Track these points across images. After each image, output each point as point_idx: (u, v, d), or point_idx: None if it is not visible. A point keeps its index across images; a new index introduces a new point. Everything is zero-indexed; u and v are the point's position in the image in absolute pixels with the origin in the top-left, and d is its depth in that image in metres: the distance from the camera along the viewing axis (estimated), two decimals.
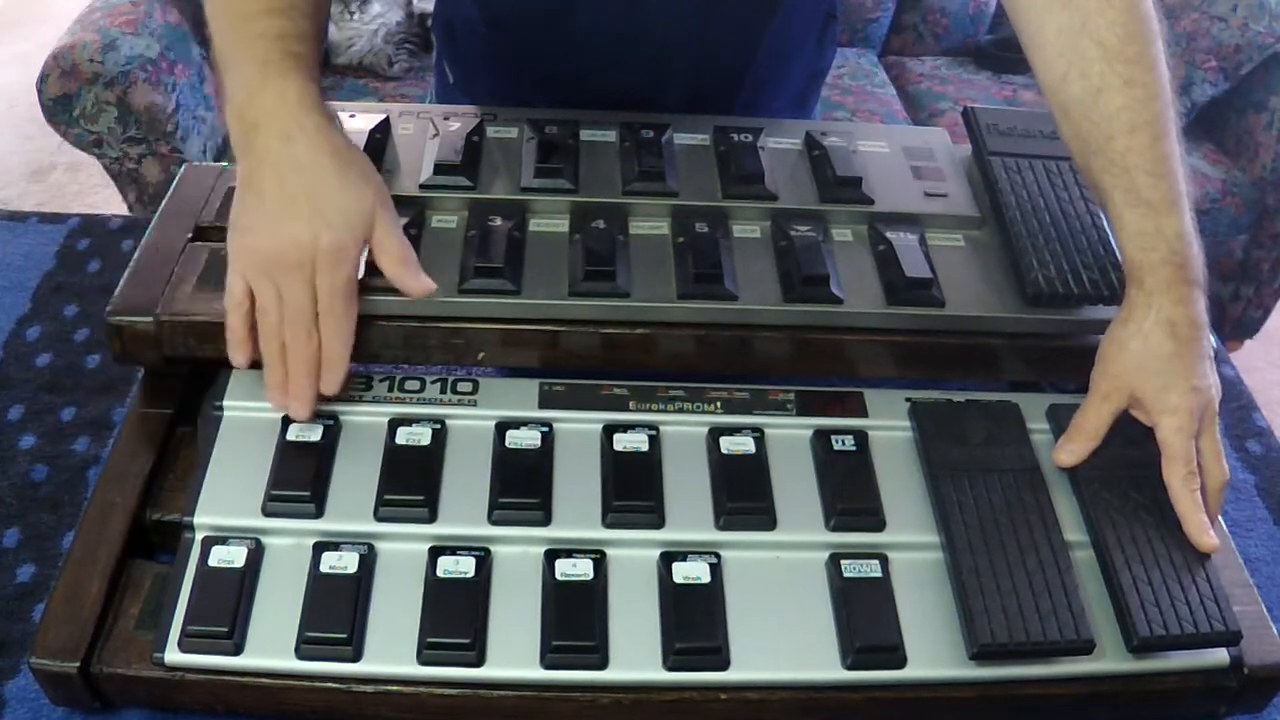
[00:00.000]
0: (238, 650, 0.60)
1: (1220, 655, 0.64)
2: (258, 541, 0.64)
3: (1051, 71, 0.71)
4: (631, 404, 0.72)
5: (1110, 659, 0.63)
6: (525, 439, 0.69)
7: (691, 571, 0.64)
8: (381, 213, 0.67)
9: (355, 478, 0.67)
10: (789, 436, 0.72)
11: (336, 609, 0.61)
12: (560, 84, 0.88)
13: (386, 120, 0.81)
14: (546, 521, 0.66)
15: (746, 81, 0.90)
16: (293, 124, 0.65)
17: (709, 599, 0.63)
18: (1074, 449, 0.70)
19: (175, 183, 0.82)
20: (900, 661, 0.62)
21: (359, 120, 0.80)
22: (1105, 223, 0.75)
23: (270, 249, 0.65)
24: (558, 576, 0.63)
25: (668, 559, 0.65)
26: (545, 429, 0.70)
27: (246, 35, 0.68)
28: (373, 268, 0.69)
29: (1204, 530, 0.66)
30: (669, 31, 0.85)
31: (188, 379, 0.74)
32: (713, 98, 0.88)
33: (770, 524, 0.67)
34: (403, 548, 0.65)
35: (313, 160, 0.65)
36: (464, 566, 0.63)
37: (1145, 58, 0.68)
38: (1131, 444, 0.69)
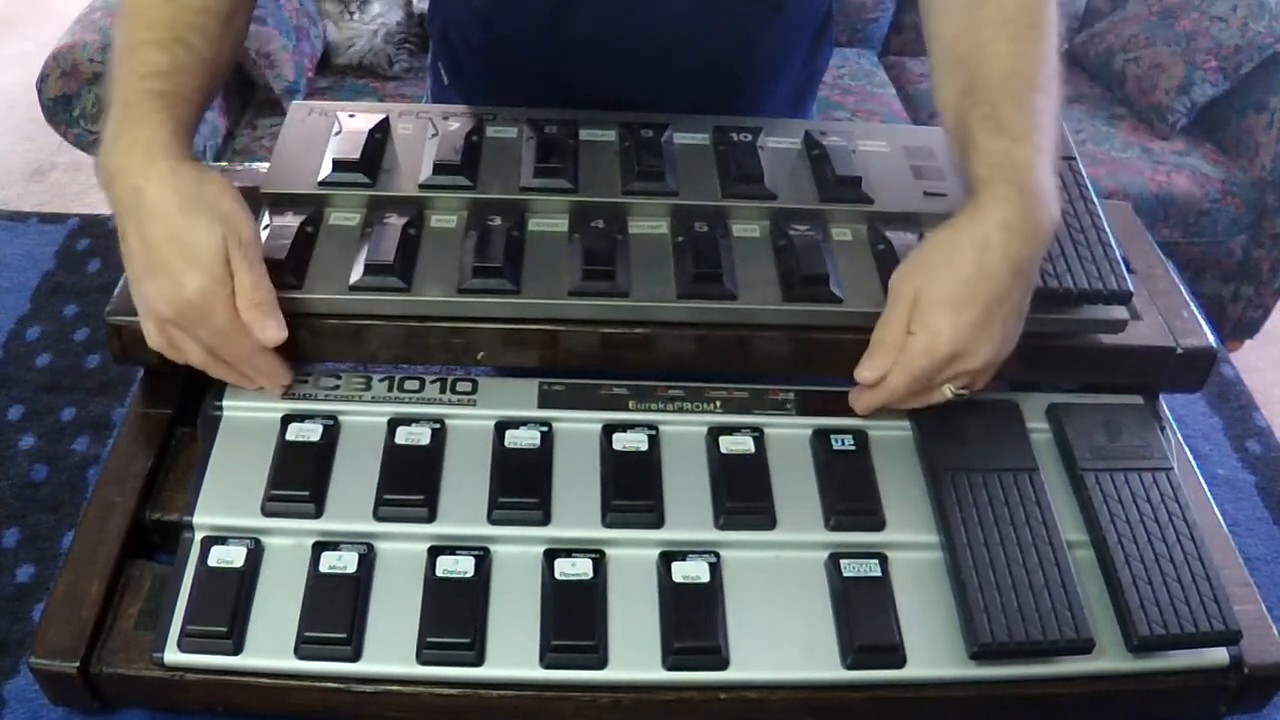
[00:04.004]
0: (237, 650, 0.60)
1: (1220, 654, 0.64)
2: (257, 541, 0.64)
3: (947, 28, 0.72)
4: (631, 403, 0.72)
5: (1110, 658, 0.63)
6: (525, 439, 0.69)
7: (691, 571, 0.64)
8: (234, 251, 0.63)
9: (355, 477, 0.67)
10: (789, 436, 0.72)
11: (336, 609, 0.61)
12: (556, 88, 0.88)
13: (386, 120, 0.81)
14: (546, 521, 0.66)
15: (745, 84, 0.90)
16: (139, 175, 0.63)
17: (708, 598, 0.63)
18: (876, 364, 0.67)
19: None
20: (900, 661, 0.62)
21: (359, 120, 0.80)
22: (1104, 222, 0.75)
23: (150, 303, 0.64)
24: (557, 576, 0.63)
25: (667, 558, 0.65)
26: (545, 429, 0.70)
27: (121, 74, 0.66)
28: (375, 268, 0.69)
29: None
30: (670, 35, 0.84)
31: (187, 379, 0.74)
32: (711, 100, 0.88)
33: (770, 523, 0.67)
34: (402, 547, 0.65)
35: (162, 210, 0.63)
36: (463, 566, 0.63)
37: (1038, 28, 0.70)
38: (1130, 438, 0.69)
